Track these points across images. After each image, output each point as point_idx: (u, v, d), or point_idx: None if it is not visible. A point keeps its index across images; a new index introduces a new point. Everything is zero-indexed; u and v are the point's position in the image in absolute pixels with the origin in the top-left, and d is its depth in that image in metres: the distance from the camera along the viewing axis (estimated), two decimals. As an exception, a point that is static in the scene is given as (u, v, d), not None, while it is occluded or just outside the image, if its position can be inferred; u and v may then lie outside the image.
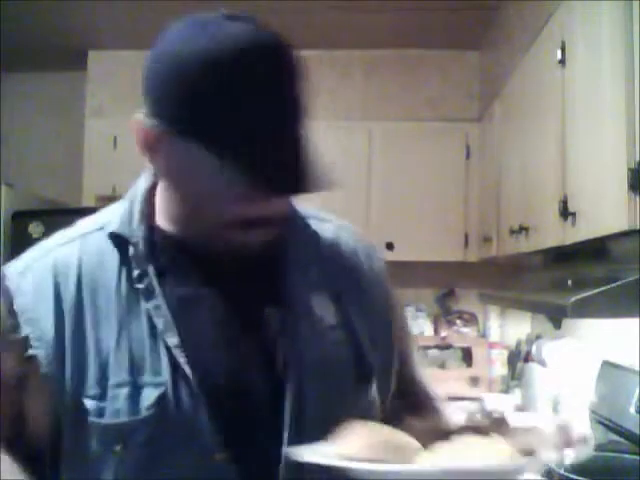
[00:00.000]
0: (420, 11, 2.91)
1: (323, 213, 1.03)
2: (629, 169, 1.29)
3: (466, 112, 3.32)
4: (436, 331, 3.47)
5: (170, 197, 0.87)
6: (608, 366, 2.15)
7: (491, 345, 3.35)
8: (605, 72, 1.46)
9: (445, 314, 3.52)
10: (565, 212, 1.67)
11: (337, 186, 0.82)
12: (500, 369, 3.25)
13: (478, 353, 3.29)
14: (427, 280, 3.55)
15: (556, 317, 1.73)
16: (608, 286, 1.35)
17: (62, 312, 0.84)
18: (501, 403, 2.76)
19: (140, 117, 0.83)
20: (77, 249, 0.88)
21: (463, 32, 3.11)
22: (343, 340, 0.90)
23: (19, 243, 2.96)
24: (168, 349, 0.82)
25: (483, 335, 3.49)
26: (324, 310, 0.90)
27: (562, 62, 1.76)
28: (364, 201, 3.27)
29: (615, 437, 1.97)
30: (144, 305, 0.83)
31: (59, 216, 2.93)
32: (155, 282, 0.84)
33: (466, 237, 3.26)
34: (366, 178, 3.29)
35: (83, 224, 0.92)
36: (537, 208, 2.03)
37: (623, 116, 1.33)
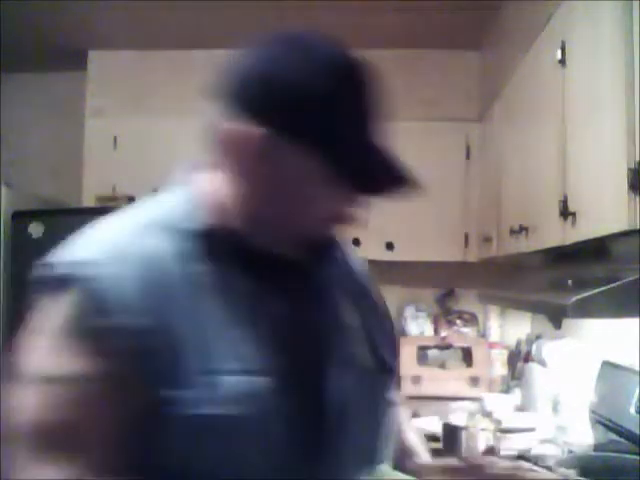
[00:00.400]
0: (420, 11, 2.91)
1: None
2: (629, 169, 1.29)
3: (466, 112, 3.32)
4: (436, 331, 3.46)
5: (249, 197, 0.89)
6: (608, 366, 2.15)
7: (491, 345, 3.35)
8: (605, 72, 1.46)
9: (445, 314, 3.52)
10: (565, 212, 1.67)
11: (423, 189, 0.96)
12: (500, 369, 3.25)
13: (478, 353, 3.29)
14: (427, 280, 3.55)
15: (556, 317, 1.73)
16: (608, 286, 1.35)
17: (152, 304, 0.82)
18: (501, 403, 2.77)
19: (237, 125, 0.85)
20: (157, 241, 0.86)
21: (463, 32, 3.11)
22: (363, 341, 0.97)
23: (19, 243, 2.96)
24: (255, 341, 0.84)
25: (483, 335, 3.49)
26: (348, 312, 0.98)
27: (562, 62, 1.76)
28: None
29: (615, 437, 1.97)
30: (224, 299, 0.85)
31: (59, 216, 2.94)
32: (239, 277, 0.87)
33: (466, 237, 3.26)
34: (366, 178, 3.28)
35: (148, 215, 0.91)
36: (537, 208, 2.03)
37: (623, 116, 1.33)
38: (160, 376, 0.80)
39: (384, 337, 1.01)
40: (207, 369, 0.81)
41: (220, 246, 0.87)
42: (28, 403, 0.80)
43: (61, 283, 0.82)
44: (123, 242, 0.86)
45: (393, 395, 1.02)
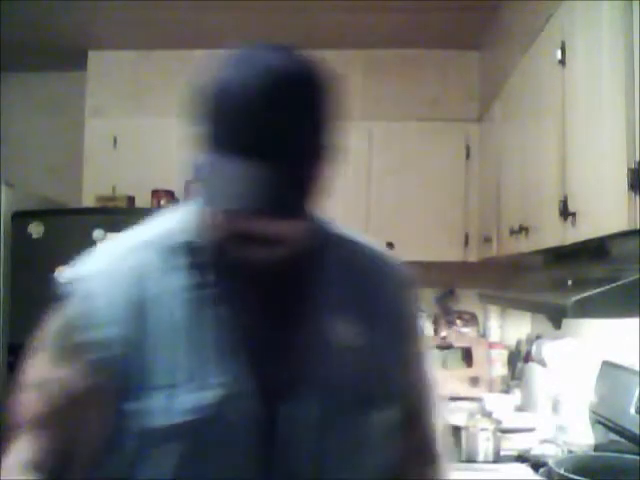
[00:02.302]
0: (420, 11, 2.91)
1: (365, 237, 1.05)
2: (629, 169, 1.29)
3: (466, 112, 3.32)
4: (436, 331, 3.46)
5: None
6: (608, 366, 2.15)
7: (491, 345, 3.35)
8: (605, 72, 1.46)
9: (445, 314, 3.52)
10: (565, 212, 1.67)
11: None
12: (500, 369, 3.25)
13: (478, 353, 3.29)
14: (427, 280, 3.54)
15: (556, 317, 1.73)
16: (608, 286, 1.35)
17: (132, 317, 0.85)
18: (501, 403, 2.77)
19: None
20: (144, 256, 0.89)
21: (463, 32, 3.11)
22: (365, 361, 0.91)
23: (19, 243, 2.96)
24: (232, 354, 0.85)
25: (483, 335, 3.49)
26: (346, 331, 0.91)
27: (562, 62, 1.76)
28: (364, 201, 3.27)
29: (615, 437, 1.97)
30: (211, 312, 0.86)
31: (59, 216, 2.94)
32: (222, 288, 0.87)
33: (466, 237, 3.26)
34: (366, 178, 3.29)
35: (145, 232, 0.94)
36: (537, 208, 2.03)
37: (623, 116, 1.33)
38: (127, 388, 0.83)
39: (399, 363, 0.96)
40: (172, 383, 0.83)
41: (207, 260, 0.88)
42: (16, 406, 0.87)
43: (57, 298, 0.88)
44: (113, 259, 0.91)
45: (407, 435, 0.95)
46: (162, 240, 0.91)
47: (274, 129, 0.78)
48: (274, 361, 0.87)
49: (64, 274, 0.90)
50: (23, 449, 0.85)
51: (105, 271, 0.89)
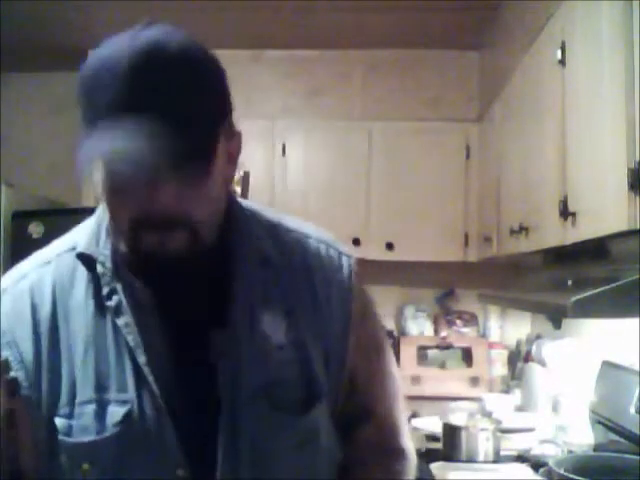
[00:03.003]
0: (420, 11, 2.91)
1: (296, 222, 0.99)
2: (629, 169, 1.29)
3: (466, 112, 3.32)
4: (436, 331, 3.46)
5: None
6: (608, 366, 2.15)
7: (491, 345, 3.35)
8: (605, 72, 1.46)
9: (445, 314, 3.52)
10: (565, 212, 1.67)
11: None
12: (500, 369, 3.25)
13: (478, 353, 3.29)
14: (427, 280, 3.55)
15: (556, 317, 1.73)
16: (608, 286, 1.35)
17: (39, 334, 0.85)
18: (501, 403, 2.77)
19: None
20: (52, 270, 0.89)
21: (463, 32, 3.11)
22: (291, 359, 0.88)
23: (19, 243, 2.96)
24: (136, 366, 0.83)
25: (483, 335, 3.49)
26: (273, 327, 0.88)
27: (562, 62, 1.76)
28: (364, 201, 3.27)
29: (615, 437, 1.97)
30: (112, 322, 0.85)
31: (59, 216, 2.94)
32: (124, 299, 0.85)
33: (466, 237, 3.26)
34: (366, 178, 3.29)
35: (58, 243, 0.93)
36: (537, 208, 2.03)
37: (623, 116, 1.33)
38: (48, 405, 0.83)
39: (329, 354, 0.91)
40: (90, 397, 0.83)
41: (119, 268, 0.86)
42: None
43: None
44: (15, 278, 0.91)
45: (318, 423, 0.90)
46: (66, 253, 0.90)
47: (144, 87, 0.73)
48: (191, 370, 0.85)
49: None
50: None
51: (7, 290, 0.89)
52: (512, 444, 2.23)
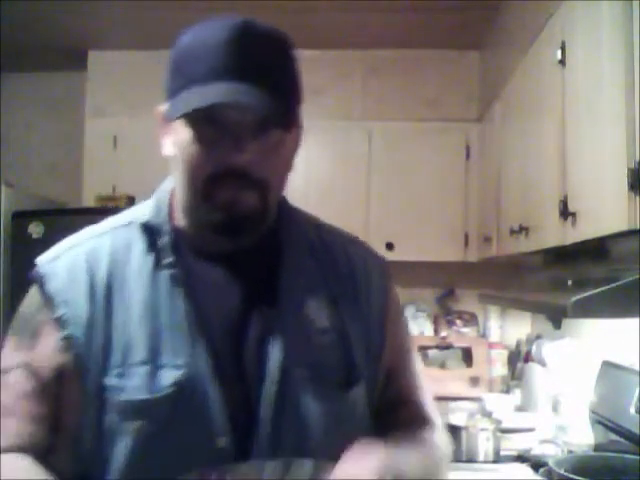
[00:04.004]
0: (420, 11, 2.91)
1: (332, 226, 1.06)
2: (629, 169, 1.29)
3: (466, 112, 3.32)
4: (436, 331, 3.46)
5: (177, 185, 0.91)
6: (608, 366, 2.15)
7: (491, 345, 3.35)
8: (605, 72, 1.46)
9: (445, 314, 3.52)
10: (565, 212, 1.67)
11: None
12: (500, 369, 3.25)
13: (478, 353, 3.29)
14: (427, 280, 3.55)
15: (556, 317, 1.73)
16: (608, 286, 1.35)
17: (94, 296, 0.88)
18: (501, 403, 2.77)
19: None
20: (107, 241, 0.93)
21: (463, 32, 3.11)
22: (333, 344, 0.92)
23: (19, 243, 2.96)
24: (191, 334, 0.86)
25: (483, 335, 3.49)
26: (317, 312, 0.93)
27: (562, 62, 1.76)
28: (364, 201, 3.27)
29: (615, 437, 1.97)
30: (168, 292, 0.88)
31: (59, 216, 2.94)
32: (181, 270, 0.89)
33: (466, 237, 3.26)
34: (366, 178, 3.29)
35: (113, 219, 0.97)
36: (537, 208, 2.03)
37: (623, 116, 1.33)
38: (98, 365, 0.85)
39: (373, 349, 0.96)
40: (144, 359, 0.85)
41: (173, 243, 0.91)
42: None
43: (28, 282, 0.92)
44: (70, 244, 0.94)
45: (356, 406, 0.93)
46: (122, 227, 0.94)
47: (241, 56, 0.81)
48: (240, 343, 0.88)
49: (37, 261, 0.92)
50: (4, 434, 0.85)
51: (63, 254, 0.92)
52: (512, 444, 2.23)
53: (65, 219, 2.97)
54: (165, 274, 0.89)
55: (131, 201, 3.23)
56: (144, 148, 3.35)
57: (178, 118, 0.83)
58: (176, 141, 0.87)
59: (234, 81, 0.80)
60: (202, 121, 0.83)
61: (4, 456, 0.83)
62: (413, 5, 2.84)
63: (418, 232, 3.23)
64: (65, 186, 3.56)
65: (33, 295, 0.91)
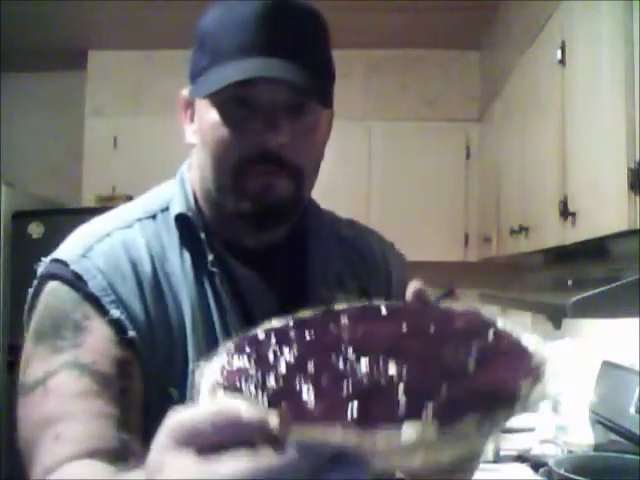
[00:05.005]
0: (420, 11, 2.91)
1: (351, 219, 1.04)
2: (629, 169, 1.29)
3: (466, 112, 3.32)
4: (436, 331, 3.46)
5: (201, 175, 0.84)
6: (608, 366, 2.15)
7: (491, 345, 3.34)
8: (605, 72, 1.46)
9: (445, 314, 3.52)
10: (565, 212, 1.67)
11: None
12: (500, 369, 3.24)
13: (478, 353, 3.29)
14: (427, 280, 3.50)
15: (556, 317, 1.73)
16: (608, 286, 1.35)
17: (144, 292, 0.79)
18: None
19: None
20: (138, 233, 0.83)
21: (463, 32, 3.11)
22: None
23: (19, 243, 2.96)
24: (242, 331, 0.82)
25: (483, 335, 3.49)
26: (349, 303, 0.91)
27: (562, 62, 1.76)
28: (364, 201, 3.27)
29: (615, 437, 1.97)
30: (213, 289, 0.81)
31: (59, 216, 2.94)
32: (220, 269, 0.82)
33: (466, 237, 3.26)
34: (366, 178, 3.29)
35: (131, 211, 0.88)
36: (537, 208, 2.03)
37: (623, 116, 1.33)
38: (161, 372, 0.77)
39: None
40: (187, 365, 0.78)
41: (197, 234, 0.84)
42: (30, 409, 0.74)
43: (41, 281, 0.80)
44: (96, 236, 0.82)
45: None
46: (147, 219, 0.85)
47: (275, 31, 0.75)
48: None
49: (59, 257, 0.81)
50: (68, 441, 0.70)
51: (94, 248, 0.80)
52: (512, 444, 2.23)
53: (65, 219, 2.96)
54: (208, 273, 0.81)
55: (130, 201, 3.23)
56: (144, 148, 3.37)
57: (209, 96, 0.76)
58: (201, 125, 0.80)
59: (267, 57, 0.74)
60: (232, 100, 0.76)
61: (71, 466, 0.68)
62: (413, 5, 2.84)
63: (418, 232, 3.23)
64: (65, 186, 3.56)
65: (63, 296, 0.77)
